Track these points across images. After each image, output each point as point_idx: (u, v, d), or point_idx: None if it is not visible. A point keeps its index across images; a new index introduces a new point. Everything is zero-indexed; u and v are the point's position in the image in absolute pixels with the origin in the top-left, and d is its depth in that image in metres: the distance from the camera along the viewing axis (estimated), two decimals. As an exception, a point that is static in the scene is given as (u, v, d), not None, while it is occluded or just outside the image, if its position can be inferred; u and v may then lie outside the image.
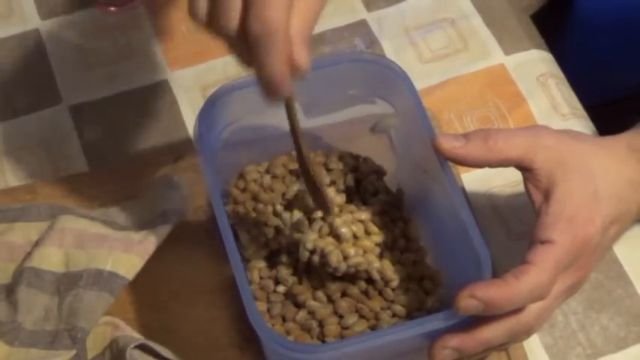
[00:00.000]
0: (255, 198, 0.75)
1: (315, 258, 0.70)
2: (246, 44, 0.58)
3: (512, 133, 0.68)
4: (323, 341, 0.70)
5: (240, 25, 0.58)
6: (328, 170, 0.76)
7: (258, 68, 0.59)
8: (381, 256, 0.72)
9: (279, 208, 0.74)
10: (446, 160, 0.67)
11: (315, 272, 0.71)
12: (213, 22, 0.59)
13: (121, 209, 0.78)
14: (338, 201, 0.73)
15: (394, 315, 0.71)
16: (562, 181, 0.65)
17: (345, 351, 0.63)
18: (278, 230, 0.74)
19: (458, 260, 0.70)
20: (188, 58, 0.90)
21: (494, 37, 0.90)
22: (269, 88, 0.60)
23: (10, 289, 0.74)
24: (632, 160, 0.68)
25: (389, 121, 0.76)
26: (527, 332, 0.66)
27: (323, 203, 0.70)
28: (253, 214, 0.75)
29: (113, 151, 0.85)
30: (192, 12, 0.60)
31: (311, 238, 0.70)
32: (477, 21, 0.92)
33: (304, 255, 0.70)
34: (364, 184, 0.76)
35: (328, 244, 0.70)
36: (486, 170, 0.70)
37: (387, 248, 0.73)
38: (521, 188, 0.68)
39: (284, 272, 0.72)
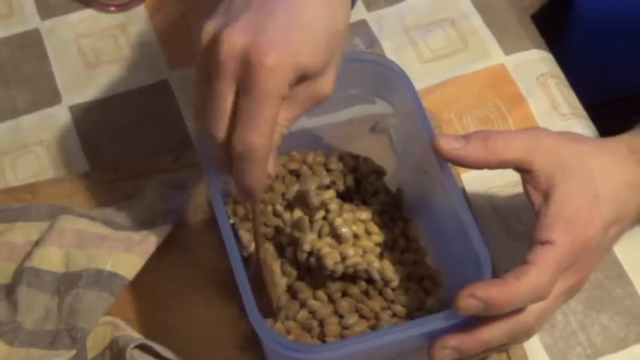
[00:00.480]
0: (254, 198, 0.75)
1: (312, 260, 0.70)
2: (227, 152, 0.62)
3: (511, 134, 0.67)
4: (323, 341, 0.70)
5: (225, 137, 0.62)
6: (328, 170, 0.76)
7: (235, 177, 0.63)
8: (381, 256, 0.72)
9: (279, 208, 0.74)
10: (445, 160, 0.67)
11: (315, 272, 0.71)
12: (202, 126, 0.63)
13: (121, 209, 0.78)
14: (327, 198, 0.74)
15: (394, 315, 0.71)
16: (561, 182, 0.65)
17: (345, 351, 0.63)
18: (278, 230, 0.74)
19: (458, 260, 0.70)
20: (188, 58, 0.90)
21: (494, 37, 0.90)
22: (242, 195, 0.64)
23: (10, 289, 0.74)
24: (631, 161, 0.68)
25: (389, 121, 0.76)
26: (528, 333, 0.66)
27: (269, 304, 0.71)
28: (253, 215, 0.75)
29: (113, 151, 0.85)
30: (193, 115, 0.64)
31: (309, 239, 0.70)
32: (477, 21, 0.92)
33: (302, 256, 0.70)
34: (364, 184, 0.76)
35: (325, 245, 0.70)
36: (486, 170, 0.70)
37: (387, 248, 0.73)
38: (520, 188, 0.68)
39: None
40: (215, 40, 0.60)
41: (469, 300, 0.61)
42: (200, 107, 0.63)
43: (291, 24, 0.61)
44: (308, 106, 0.64)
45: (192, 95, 0.63)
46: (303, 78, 0.62)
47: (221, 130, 0.61)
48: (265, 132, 0.60)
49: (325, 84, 0.63)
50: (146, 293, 0.76)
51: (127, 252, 0.74)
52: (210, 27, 0.62)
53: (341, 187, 0.75)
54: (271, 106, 0.60)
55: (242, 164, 0.62)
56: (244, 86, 0.60)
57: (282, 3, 0.61)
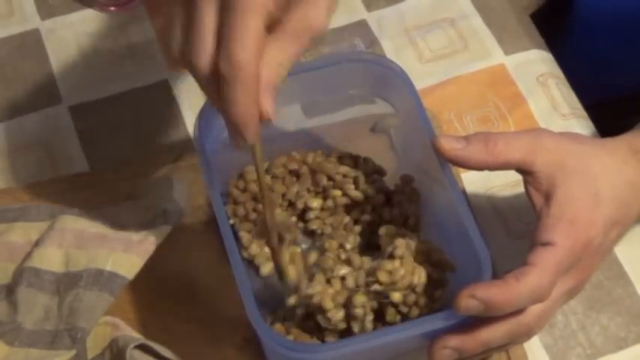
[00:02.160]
0: (255, 198, 0.75)
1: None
2: (215, 83, 0.58)
3: (512, 136, 0.67)
4: (323, 341, 0.70)
5: (211, 63, 0.57)
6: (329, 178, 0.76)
7: (225, 109, 0.58)
8: None
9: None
10: (446, 160, 0.67)
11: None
12: (185, 59, 0.59)
13: (121, 209, 0.78)
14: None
15: (394, 315, 0.71)
16: (563, 183, 0.65)
17: (345, 351, 0.63)
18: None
19: (458, 260, 0.70)
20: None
21: (494, 37, 0.90)
22: (234, 131, 0.59)
23: (10, 289, 0.74)
24: (633, 161, 0.68)
25: (389, 121, 0.76)
26: (528, 334, 0.66)
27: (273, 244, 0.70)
28: (253, 214, 0.75)
29: (113, 151, 0.85)
30: (165, 47, 0.60)
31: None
32: (477, 21, 0.92)
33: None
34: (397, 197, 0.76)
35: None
36: (486, 170, 0.70)
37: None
38: (520, 188, 0.68)
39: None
40: None
41: (469, 300, 0.61)
42: (174, 36, 0.59)
43: None
44: (302, 41, 0.60)
45: (168, 32, 0.59)
46: (288, 4, 0.59)
47: (205, 57, 0.57)
48: (251, 46, 0.57)
49: (315, 9, 0.59)
50: (146, 293, 0.76)
51: (127, 252, 0.74)
52: None
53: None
54: (252, 16, 0.56)
55: (230, 89, 0.57)
56: (223, 1, 0.57)
57: None
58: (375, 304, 0.68)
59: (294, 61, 0.60)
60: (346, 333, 0.69)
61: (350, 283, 0.69)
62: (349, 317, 0.68)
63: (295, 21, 0.59)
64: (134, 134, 0.85)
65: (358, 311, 0.67)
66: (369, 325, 0.68)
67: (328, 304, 0.68)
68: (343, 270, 0.70)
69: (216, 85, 0.58)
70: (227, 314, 0.74)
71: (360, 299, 0.67)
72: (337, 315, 0.68)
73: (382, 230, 0.72)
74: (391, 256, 0.68)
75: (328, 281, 0.70)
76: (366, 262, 0.70)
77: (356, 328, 0.68)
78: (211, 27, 0.57)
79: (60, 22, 0.93)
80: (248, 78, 0.57)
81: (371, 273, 0.68)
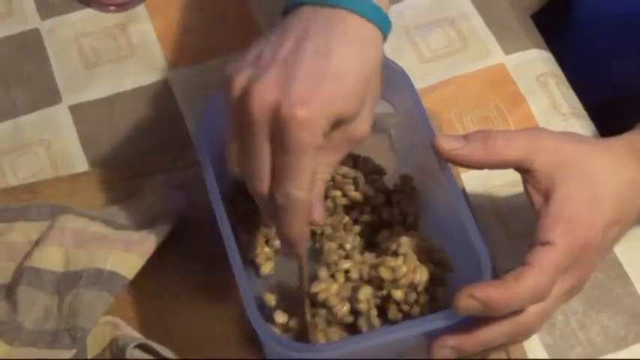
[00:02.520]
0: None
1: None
2: (272, 203, 0.63)
3: (512, 134, 0.67)
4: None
5: (268, 189, 0.63)
6: (355, 203, 0.76)
7: (278, 228, 0.64)
8: None
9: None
10: (445, 160, 0.67)
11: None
12: (243, 177, 0.64)
13: (121, 209, 0.78)
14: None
15: (394, 315, 0.71)
16: (562, 183, 0.65)
17: (345, 351, 0.63)
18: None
19: (458, 260, 0.70)
20: (188, 58, 0.90)
21: (494, 36, 0.90)
22: (286, 247, 0.65)
23: (10, 289, 0.74)
24: (633, 161, 0.68)
25: (389, 121, 0.76)
26: (527, 333, 0.66)
27: None
28: (253, 214, 0.75)
29: (113, 151, 0.85)
30: (228, 163, 0.64)
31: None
32: (477, 21, 0.92)
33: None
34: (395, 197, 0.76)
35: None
36: (486, 170, 0.70)
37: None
38: (520, 188, 0.68)
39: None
40: (246, 95, 0.61)
41: (468, 300, 0.61)
42: (238, 158, 0.64)
43: (321, 74, 0.61)
44: (345, 150, 0.65)
45: (227, 145, 0.64)
46: (338, 123, 0.62)
47: (262, 185, 0.62)
48: (305, 184, 0.61)
49: (361, 125, 0.64)
50: (146, 293, 0.76)
51: (127, 251, 0.74)
52: (240, 79, 0.62)
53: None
54: (307, 159, 0.60)
55: (285, 216, 0.63)
56: (279, 141, 0.60)
57: (310, 53, 0.61)
58: (378, 300, 0.68)
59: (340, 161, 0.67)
60: (352, 326, 0.69)
61: (354, 275, 0.69)
62: (355, 311, 0.68)
63: (339, 135, 0.63)
64: (134, 134, 0.85)
65: (362, 306, 0.67)
66: (374, 320, 0.68)
67: (333, 300, 0.68)
68: (347, 264, 0.70)
69: (272, 204, 0.63)
70: (227, 314, 0.74)
71: (364, 293, 0.67)
72: (343, 309, 0.68)
73: (381, 236, 0.73)
74: (394, 254, 0.69)
75: (332, 276, 0.70)
76: (369, 258, 0.70)
77: (363, 324, 0.68)
78: (266, 161, 0.62)
79: (60, 22, 0.93)
80: (302, 209, 0.62)
81: (374, 268, 0.68)
